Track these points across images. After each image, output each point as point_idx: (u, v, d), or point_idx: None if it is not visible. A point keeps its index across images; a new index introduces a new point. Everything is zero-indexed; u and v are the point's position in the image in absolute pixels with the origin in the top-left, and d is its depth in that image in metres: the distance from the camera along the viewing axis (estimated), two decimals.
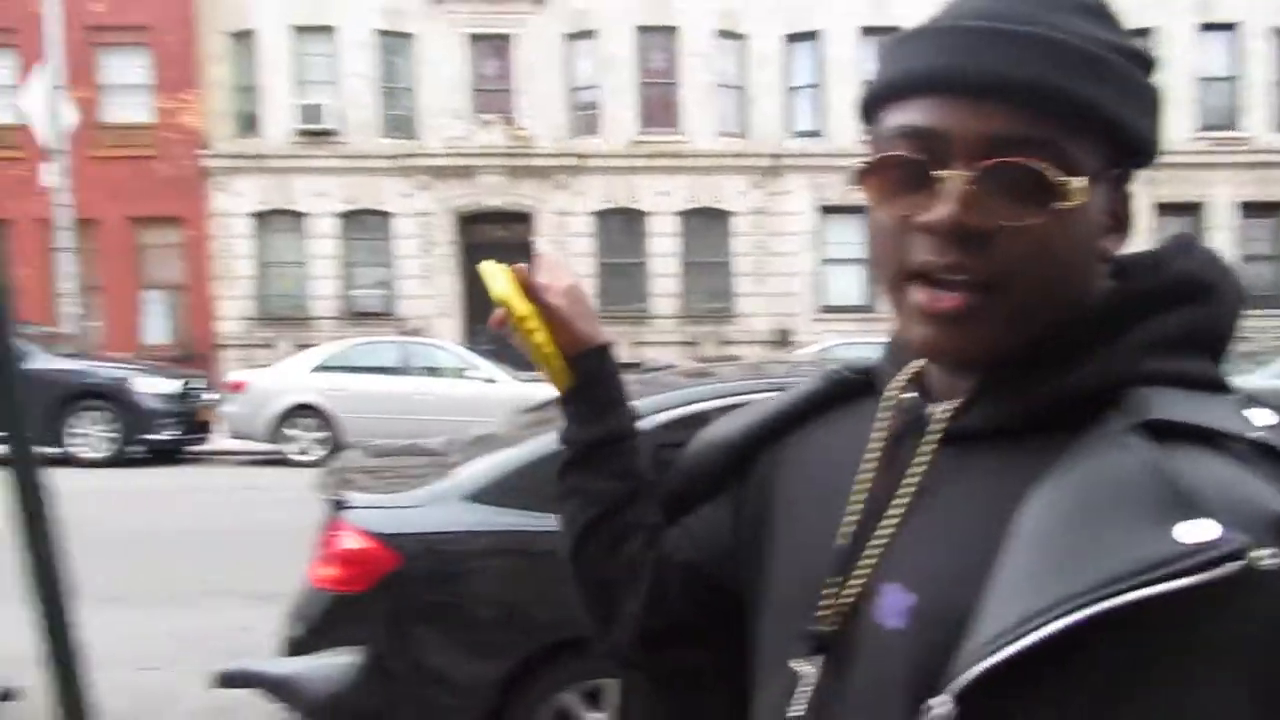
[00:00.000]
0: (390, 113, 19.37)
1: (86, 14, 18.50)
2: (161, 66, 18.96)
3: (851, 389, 0.84)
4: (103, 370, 11.83)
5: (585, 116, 19.44)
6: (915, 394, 0.75)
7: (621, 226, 19.49)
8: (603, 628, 0.96)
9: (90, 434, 11.56)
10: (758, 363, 11.26)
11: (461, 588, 3.06)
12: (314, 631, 3.06)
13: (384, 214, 19.24)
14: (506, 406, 11.61)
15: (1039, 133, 0.64)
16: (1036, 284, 0.65)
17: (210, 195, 19.06)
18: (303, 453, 11.64)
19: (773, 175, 19.62)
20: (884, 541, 0.69)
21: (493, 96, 19.50)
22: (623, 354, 12.55)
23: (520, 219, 19.53)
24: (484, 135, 19.09)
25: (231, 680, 3.06)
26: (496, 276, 0.95)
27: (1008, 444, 0.67)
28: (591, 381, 0.98)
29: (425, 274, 19.27)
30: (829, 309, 19.40)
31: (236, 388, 11.84)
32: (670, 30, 19.26)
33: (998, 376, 0.68)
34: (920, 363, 0.76)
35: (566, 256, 19.17)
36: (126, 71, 18.87)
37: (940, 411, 0.71)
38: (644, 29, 19.13)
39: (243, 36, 19.13)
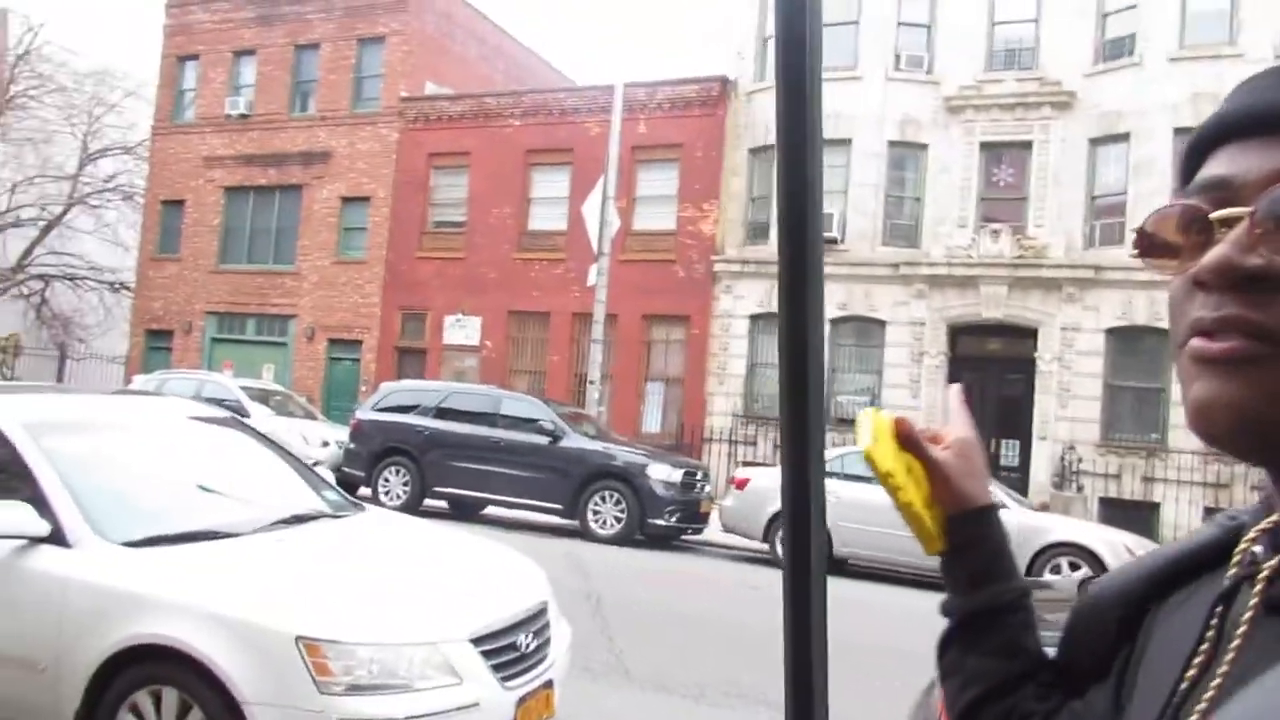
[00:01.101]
0: (893, 221, 19.39)
1: (634, 135, 21.04)
2: (686, 179, 20.85)
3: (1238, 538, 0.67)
4: (624, 453, 12.82)
5: (1108, 225, 17.86)
6: (1258, 547, 0.61)
7: (1140, 346, 17.44)
8: None
9: (603, 511, 12.54)
10: None
11: None
12: None
13: (878, 321, 19.14)
14: (1013, 536, 10.68)
15: None
16: None
17: (717, 297, 20.38)
18: None
19: None
20: None
21: (1003, 205, 18.71)
22: (1132, 490, 10.78)
23: (1022, 333, 18.32)
24: (989, 244, 18.30)
25: None
26: (866, 427, 0.88)
27: None
28: (970, 545, 0.89)
29: (912, 383, 18.75)
30: None
31: (740, 484, 12.17)
32: None
33: None
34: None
35: (1071, 375, 17.59)
36: (657, 184, 21.02)
37: (1266, 567, 0.58)
38: (1183, 131, 17.21)
39: (763, 151, 20.43)
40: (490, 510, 13.35)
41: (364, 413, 14.08)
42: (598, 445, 12.96)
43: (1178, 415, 16.63)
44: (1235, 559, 0.65)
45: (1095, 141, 18.16)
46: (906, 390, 18.75)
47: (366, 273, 24.04)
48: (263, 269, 25.44)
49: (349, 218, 24.61)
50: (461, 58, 26.22)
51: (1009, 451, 18.13)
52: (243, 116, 26.13)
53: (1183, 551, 0.75)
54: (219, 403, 15.42)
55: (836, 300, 19.37)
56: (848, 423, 18.85)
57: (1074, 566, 10.22)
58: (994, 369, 18.94)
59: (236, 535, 4.14)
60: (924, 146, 19.30)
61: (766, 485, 11.90)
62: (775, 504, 11.76)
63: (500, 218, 22.58)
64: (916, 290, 18.78)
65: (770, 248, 19.86)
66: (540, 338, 22.06)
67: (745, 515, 11.96)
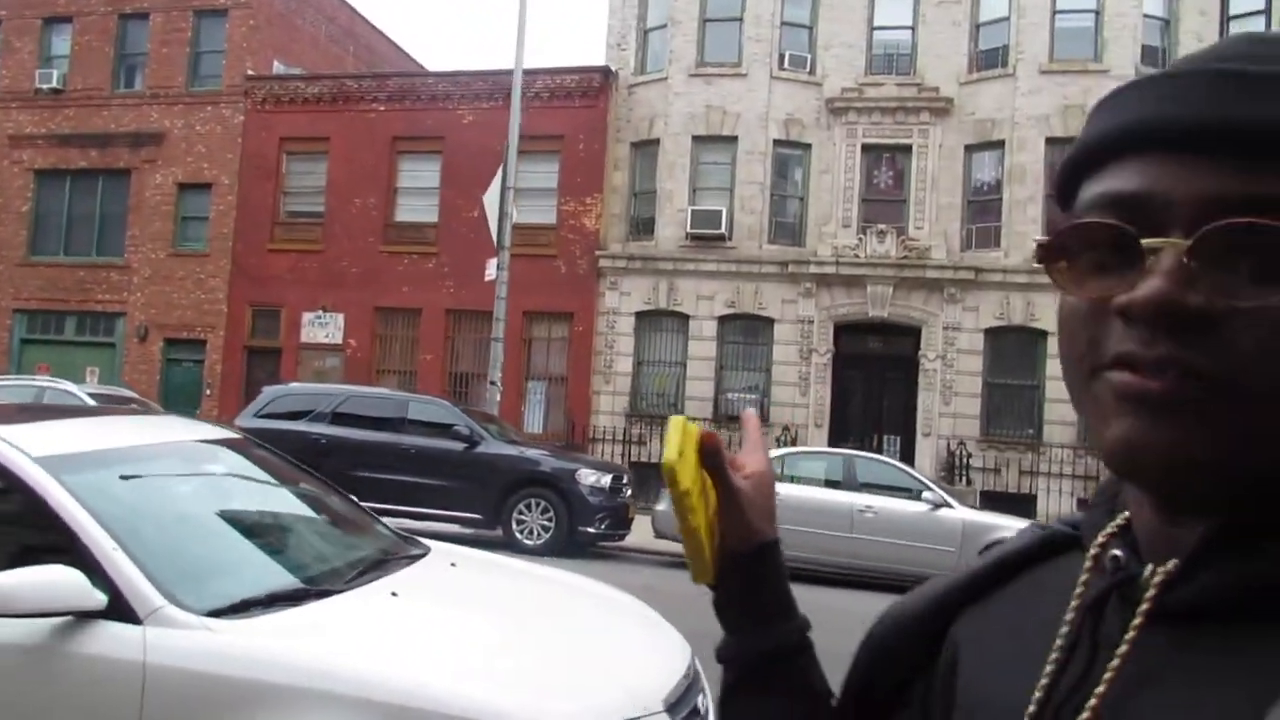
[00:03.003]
0: (779, 220, 19.42)
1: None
2: (568, 171, 20.14)
3: (1060, 546, 0.68)
4: (549, 459, 12.06)
5: (984, 229, 18.50)
6: (1118, 552, 0.60)
7: (1016, 346, 18.17)
8: None
9: (528, 520, 11.74)
10: None
11: None
12: None
13: (766, 319, 19.10)
14: (958, 537, 10.69)
15: (1277, 189, 0.50)
16: None
17: (602, 293, 19.79)
18: None
19: None
20: None
21: (884, 207, 19.06)
22: (1011, 484, 11.04)
23: (907, 331, 18.73)
24: (875, 244, 18.59)
25: None
26: (675, 438, 0.81)
27: (1245, 632, 0.51)
28: (756, 582, 0.84)
29: (801, 381, 18.83)
30: None
31: None
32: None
33: (1233, 528, 0.53)
34: (1127, 513, 0.61)
35: (953, 373, 18.11)
36: (537, 176, 20.19)
37: (1150, 576, 0.56)
38: (1054, 140, 18.05)
39: (645, 145, 20.00)
40: (402, 523, 12.24)
41: (245, 420, 12.61)
42: (518, 450, 12.13)
43: (1051, 411, 17.46)
44: (1088, 564, 0.62)
45: (970, 148, 18.78)
46: (795, 388, 18.80)
47: (209, 266, 21.96)
48: (84, 261, 22.80)
49: (187, 205, 22.42)
50: (312, 37, 24.43)
51: (890, 447, 18.47)
52: (55, 92, 23.35)
53: (989, 562, 0.73)
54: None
55: (724, 298, 19.23)
56: (737, 419, 18.74)
57: None
58: (877, 367, 19.29)
59: (334, 592, 3.25)
60: (808, 146, 19.42)
61: None
62: None
63: (363, 208, 21.13)
64: (804, 289, 18.85)
65: (655, 243, 19.50)
66: (410, 336, 20.78)
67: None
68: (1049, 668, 0.60)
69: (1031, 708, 0.59)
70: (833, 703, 0.83)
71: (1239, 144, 0.51)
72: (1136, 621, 0.56)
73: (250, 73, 22.03)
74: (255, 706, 2.68)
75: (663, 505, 11.85)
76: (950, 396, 18.15)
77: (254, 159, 21.80)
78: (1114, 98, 0.58)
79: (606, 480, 11.88)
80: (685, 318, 19.40)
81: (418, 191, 21.02)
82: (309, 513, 4.05)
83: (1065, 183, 0.60)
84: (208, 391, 21.51)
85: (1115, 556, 0.60)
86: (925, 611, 0.76)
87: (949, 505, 10.77)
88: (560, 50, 70.09)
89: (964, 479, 17.04)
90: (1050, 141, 17.94)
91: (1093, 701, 0.56)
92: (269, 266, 21.41)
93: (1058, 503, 17.14)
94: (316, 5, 24.67)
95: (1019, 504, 16.94)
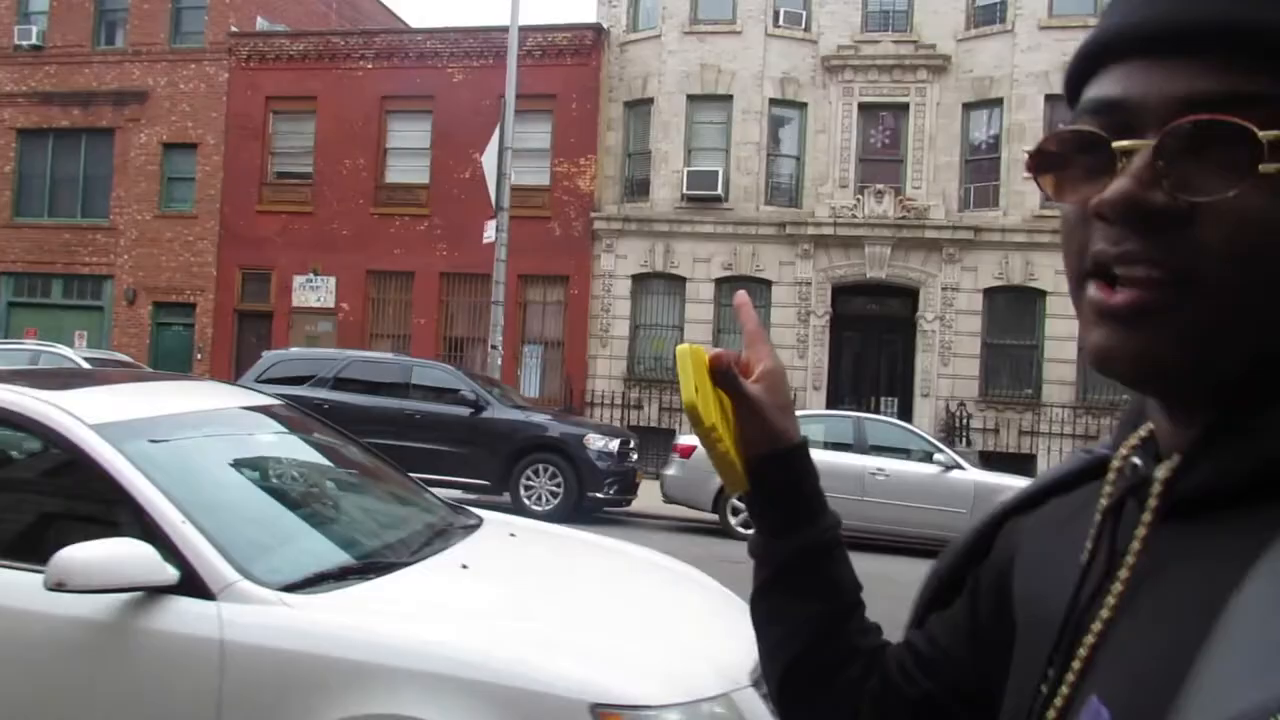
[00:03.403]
0: (775, 180, 19.25)
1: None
2: (561, 131, 19.86)
3: (1103, 467, 0.68)
4: (557, 423, 11.98)
5: (982, 188, 18.41)
6: (1136, 459, 0.62)
7: (1015, 305, 18.17)
8: None
9: (536, 486, 11.69)
10: None
11: None
12: None
13: (764, 281, 19.00)
14: (969, 498, 10.72)
15: (1246, 87, 0.51)
16: (1249, 279, 0.51)
17: (597, 256, 19.61)
18: (746, 525, 11.17)
19: None
20: (1090, 645, 0.59)
21: (881, 167, 18.92)
22: (1010, 444, 10.91)
23: (905, 292, 18.69)
24: (873, 205, 18.48)
25: None
26: (687, 372, 0.81)
27: (1241, 515, 0.53)
28: (785, 485, 0.85)
29: (799, 343, 18.79)
30: None
31: (684, 452, 11.61)
32: None
33: (1226, 421, 0.55)
34: (1150, 424, 0.63)
35: (952, 334, 18.11)
36: (530, 137, 19.89)
37: (1157, 474, 0.58)
38: (1054, 97, 17.92)
39: (639, 105, 19.73)
40: None
41: (246, 385, 12.46)
42: (525, 415, 12.04)
43: (1050, 371, 17.51)
44: (1113, 473, 0.64)
45: (968, 106, 18.63)
46: (794, 350, 18.76)
47: (197, 228, 21.60)
48: (69, 223, 22.38)
49: (173, 165, 21.99)
50: None
51: (889, 409, 18.50)
52: (35, 48, 22.76)
53: (1043, 479, 0.76)
54: None
55: (721, 260, 19.10)
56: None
57: None
58: (875, 328, 19.26)
59: (403, 565, 3.17)
60: (803, 106, 19.21)
61: None
62: None
63: (353, 169, 20.79)
64: (802, 250, 18.75)
65: (651, 205, 19.31)
66: (404, 299, 20.57)
67: (691, 484, 11.42)
68: (1077, 573, 0.62)
69: (1077, 607, 0.61)
70: (862, 597, 0.88)
71: (1210, 44, 0.52)
72: (1146, 518, 0.58)
73: (234, 29, 21.52)
74: (344, 686, 2.60)
75: (671, 470, 11.83)
76: (949, 357, 18.16)
77: (240, 118, 21.38)
78: (1112, 2, 0.59)
79: (614, 445, 11.82)
80: (682, 280, 19.27)
81: (408, 152, 20.69)
82: (361, 482, 3.95)
83: (1071, 88, 0.61)
84: (199, 356, 21.26)
85: (1133, 464, 0.62)
86: (981, 524, 0.79)
87: (960, 467, 10.79)
88: (549, 7, 68.97)
89: (964, 440, 17.10)
90: (1050, 99, 17.81)
91: (1111, 600, 0.58)
92: (258, 228, 21.09)
93: (1057, 461, 17.24)
94: None
95: (1018, 463, 17.04)
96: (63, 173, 22.57)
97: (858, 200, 18.58)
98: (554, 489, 11.62)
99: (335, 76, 20.89)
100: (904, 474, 10.82)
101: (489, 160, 14.19)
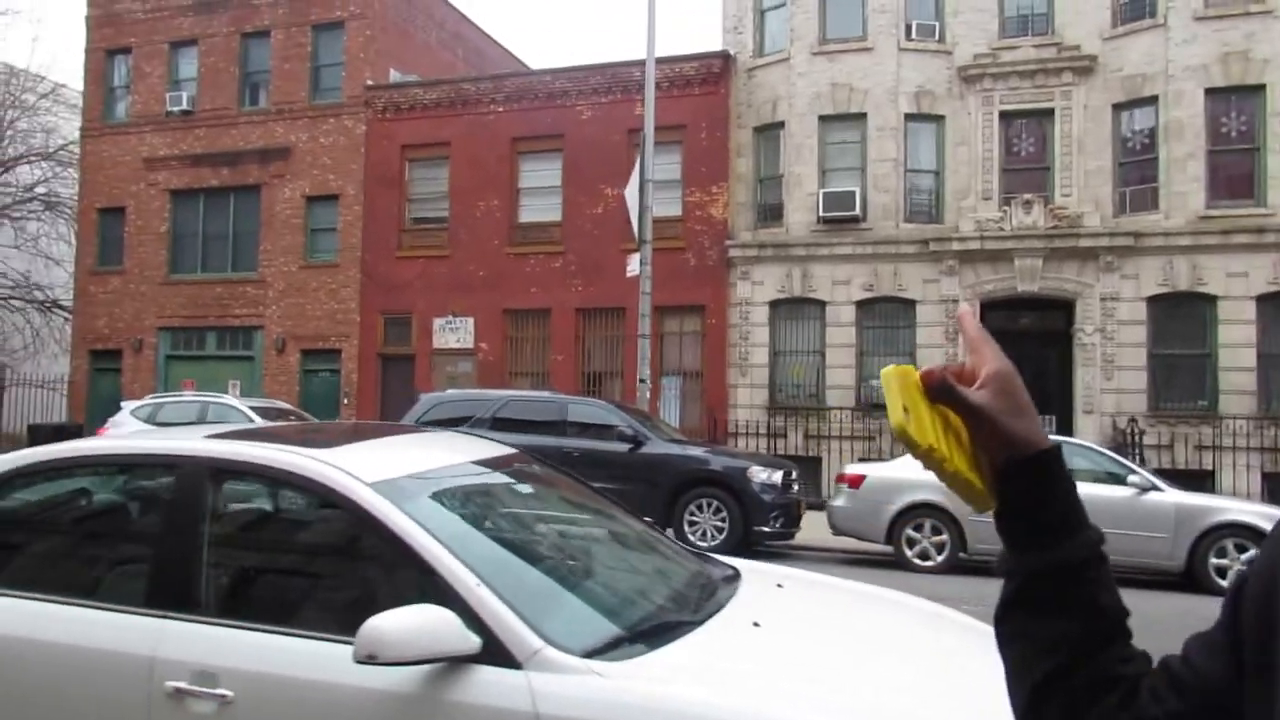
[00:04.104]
0: (914, 196, 18.70)
1: (631, 118, 19.85)
2: (691, 161, 19.78)
3: None
4: (719, 457, 11.74)
5: (1139, 191, 17.45)
6: None
7: (1183, 313, 17.10)
8: None
9: (700, 521, 11.44)
10: None
11: None
12: None
13: (907, 301, 18.41)
14: (1170, 522, 9.98)
15: None
16: None
17: (733, 284, 19.38)
18: (923, 557, 10.68)
19: None
20: None
21: (1027, 176, 18.17)
22: (1186, 460, 9.22)
23: (1058, 305, 17.83)
24: (1021, 216, 17.73)
25: None
26: (894, 393, 0.76)
27: None
28: (1032, 496, 0.79)
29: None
30: None
31: (854, 482, 11.19)
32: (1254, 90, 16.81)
33: None
34: None
35: (1114, 346, 17.15)
36: (661, 168, 19.82)
37: None
38: (1215, 91, 16.89)
39: (769, 129, 19.50)
40: None
41: (470, 432, 12.65)
42: (683, 449, 11.84)
43: (1226, 381, 16.38)
44: None
45: (1118, 106, 17.73)
46: None
47: (340, 276, 22.31)
48: (221, 278, 23.43)
49: (316, 218, 22.81)
50: (424, 44, 24.61)
51: (1047, 428, 17.56)
52: (185, 113, 24.02)
53: None
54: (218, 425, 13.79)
55: (861, 281, 18.62)
56: (881, 407, 18.10)
57: (1241, 549, 9.56)
58: (1028, 344, 18.40)
59: (694, 624, 2.94)
60: (940, 118, 18.64)
61: (886, 482, 10.94)
62: (898, 502, 10.84)
63: (487, 211, 21.15)
64: (947, 266, 18.10)
65: (785, 229, 19.00)
66: (541, 336, 20.73)
67: (862, 515, 11.00)
68: None
69: None
70: (1128, 622, 0.80)
71: None
72: None
73: (369, 83, 22.26)
74: None
75: (839, 501, 11.43)
76: (1112, 371, 17.19)
77: (377, 168, 22.04)
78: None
79: (778, 477, 11.50)
80: (821, 304, 18.84)
81: (540, 191, 20.93)
82: (614, 532, 3.77)
83: None
84: (345, 400, 21.87)
85: None
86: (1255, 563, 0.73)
87: (1158, 488, 10.06)
88: (674, 37, 69.71)
89: (1137, 457, 16.11)
90: (1210, 92, 16.83)
91: None
92: (398, 274, 21.63)
93: (1239, 478, 16.08)
94: (426, 11, 24.84)
95: (1195, 481, 15.94)
96: (213, 230, 23.67)
97: (1004, 212, 17.86)
98: (719, 524, 11.35)
99: (467, 122, 21.35)
100: (1095, 498, 10.14)
101: (630, 194, 14.15)
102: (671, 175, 19.81)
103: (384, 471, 3.07)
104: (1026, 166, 18.29)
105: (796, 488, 12.10)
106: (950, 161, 18.53)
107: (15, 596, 2.99)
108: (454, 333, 21.17)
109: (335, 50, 22.97)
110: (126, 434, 4.12)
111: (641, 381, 14.30)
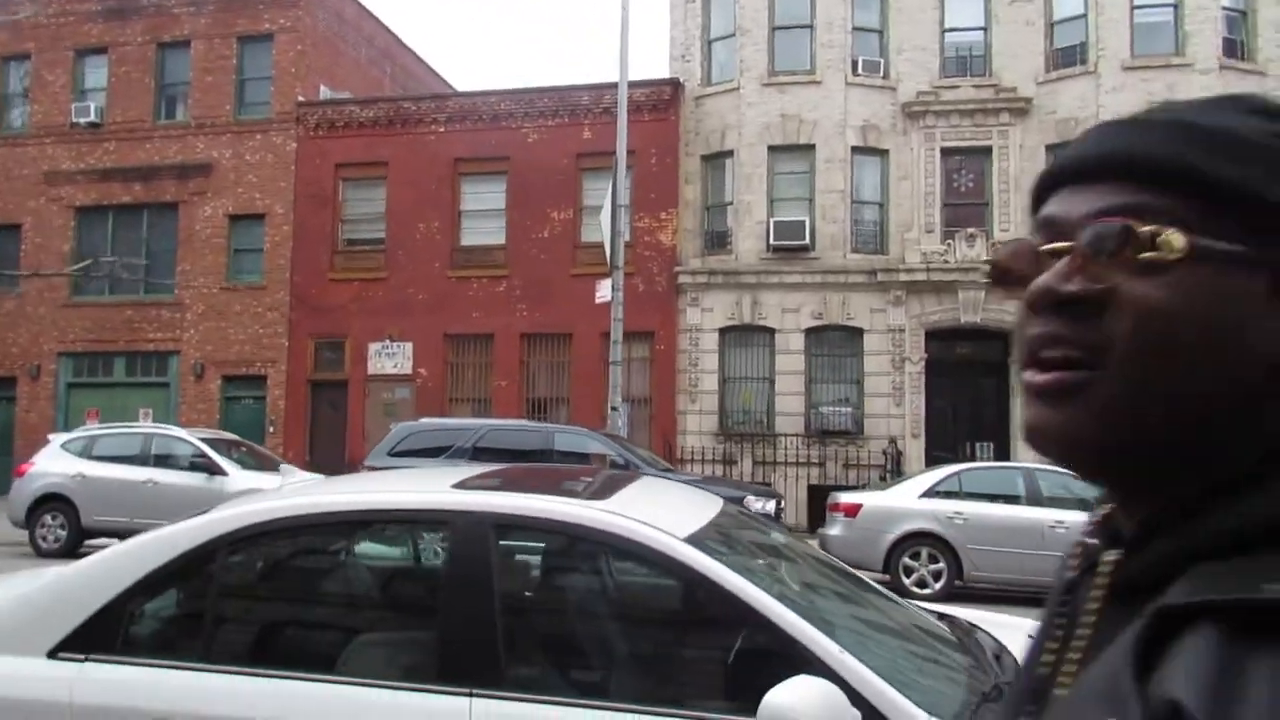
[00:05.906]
0: (860, 228, 19.10)
1: (579, 142, 19.73)
2: (640, 187, 19.72)
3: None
4: (711, 486, 11.59)
5: None
6: (1091, 539, 0.68)
7: None
8: None
9: None
10: None
11: None
12: None
13: (855, 329, 18.75)
14: None
15: (1157, 202, 0.60)
16: (1153, 360, 0.58)
17: (683, 310, 19.37)
18: (920, 585, 10.78)
19: None
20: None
21: (967, 210, 18.79)
22: None
23: (998, 336, 18.45)
24: (964, 249, 18.31)
25: None
26: None
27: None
28: None
29: (895, 391, 18.48)
30: None
31: (849, 511, 11.22)
32: None
33: (1160, 518, 0.60)
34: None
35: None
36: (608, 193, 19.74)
37: (1104, 559, 0.64)
38: None
39: (717, 157, 19.64)
40: None
41: (377, 459, 12.07)
42: (676, 478, 11.65)
43: None
44: (1074, 551, 0.70)
45: (1051, 148, 18.53)
46: (889, 399, 18.46)
47: (267, 299, 21.32)
48: (131, 300, 22.08)
49: (240, 238, 21.79)
50: (354, 60, 23.92)
51: (984, 454, 18.14)
52: (93, 125, 22.66)
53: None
54: (166, 460, 12.84)
55: (810, 309, 18.87)
56: (831, 434, 18.37)
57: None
58: (969, 373, 18.98)
59: (1007, 683, 2.79)
60: (885, 152, 19.13)
61: (882, 510, 11.02)
62: (895, 530, 10.93)
63: (427, 233, 20.60)
64: (894, 297, 18.53)
65: (735, 257, 19.12)
66: (483, 362, 20.25)
67: (858, 544, 11.01)
68: (1047, 648, 0.67)
69: (1034, 684, 0.66)
70: None
71: (1113, 171, 0.62)
72: (1093, 605, 0.63)
73: (301, 99, 21.46)
74: None
75: (834, 530, 11.44)
76: None
77: (309, 187, 21.23)
78: (1083, 134, 0.68)
79: (771, 506, 11.46)
80: (770, 331, 19.01)
81: (484, 213, 20.53)
82: (856, 589, 3.58)
83: (1032, 206, 0.70)
84: (270, 429, 20.87)
85: (1091, 542, 0.68)
86: None
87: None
88: (616, 66, 69.59)
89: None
90: None
91: (1062, 679, 0.63)
92: (330, 297, 20.83)
93: None
94: (357, 27, 24.16)
95: None
96: (124, 249, 22.30)
97: (948, 245, 18.41)
98: None
99: (406, 141, 20.79)
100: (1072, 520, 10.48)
101: (604, 219, 13.97)
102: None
103: (684, 525, 2.84)
104: (967, 202, 18.93)
105: (784, 516, 12.08)
106: (894, 195, 19.02)
107: (273, 677, 2.62)
108: (391, 358, 20.48)
109: (263, 64, 22.08)
110: (334, 483, 3.64)
111: (613, 409, 14.08)
